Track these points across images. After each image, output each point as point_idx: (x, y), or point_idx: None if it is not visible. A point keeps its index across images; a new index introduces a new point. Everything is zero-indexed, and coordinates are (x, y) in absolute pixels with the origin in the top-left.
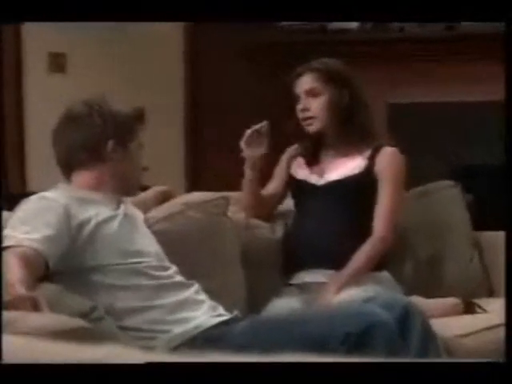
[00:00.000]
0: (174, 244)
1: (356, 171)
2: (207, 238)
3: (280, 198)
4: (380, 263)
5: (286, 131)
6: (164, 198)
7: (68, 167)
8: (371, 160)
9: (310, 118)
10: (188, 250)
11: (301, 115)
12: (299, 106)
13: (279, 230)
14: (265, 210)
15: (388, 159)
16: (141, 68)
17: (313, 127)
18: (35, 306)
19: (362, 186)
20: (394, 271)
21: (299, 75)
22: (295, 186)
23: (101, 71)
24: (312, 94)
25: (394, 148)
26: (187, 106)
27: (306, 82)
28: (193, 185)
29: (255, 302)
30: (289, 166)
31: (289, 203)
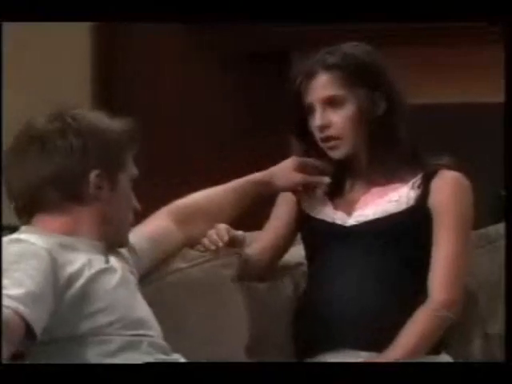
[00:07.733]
0: (163, 319)
1: (402, 206)
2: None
3: (284, 246)
4: (438, 341)
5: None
6: None
7: (27, 208)
8: (423, 190)
9: (333, 138)
10: (183, 329)
11: (318, 134)
12: (314, 122)
13: (284, 293)
14: (262, 268)
15: (448, 188)
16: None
17: (338, 152)
18: None
19: (412, 228)
20: (456, 353)
21: (309, 75)
22: (310, 229)
23: None
24: (332, 103)
25: (456, 172)
26: None
27: (321, 87)
28: None
29: None
30: (299, 199)
31: (294, 252)
